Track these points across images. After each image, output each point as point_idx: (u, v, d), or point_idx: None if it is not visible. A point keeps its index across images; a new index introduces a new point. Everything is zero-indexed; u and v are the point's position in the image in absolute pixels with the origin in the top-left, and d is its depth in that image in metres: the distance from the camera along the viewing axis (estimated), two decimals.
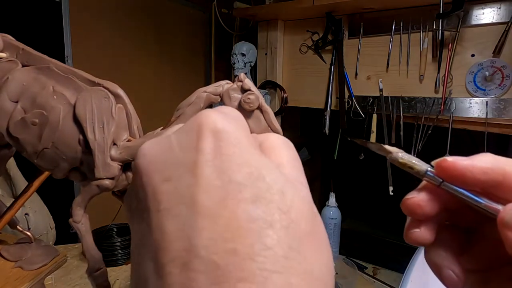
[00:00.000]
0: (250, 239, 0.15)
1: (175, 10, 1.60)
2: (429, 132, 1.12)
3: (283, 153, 0.21)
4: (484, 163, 0.21)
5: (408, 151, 1.17)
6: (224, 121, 0.18)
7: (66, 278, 0.84)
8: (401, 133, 1.16)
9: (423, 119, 1.13)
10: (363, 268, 1.43)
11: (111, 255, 0.92)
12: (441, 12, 1.02)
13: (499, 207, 0.20)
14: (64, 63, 0.54)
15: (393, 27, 1.17)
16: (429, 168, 0.22)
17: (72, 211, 0.46)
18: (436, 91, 1.12)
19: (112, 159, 0.44)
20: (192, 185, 0.17)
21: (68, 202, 0.48)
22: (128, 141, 0.46)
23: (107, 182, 0.44)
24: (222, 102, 0.44)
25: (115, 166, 0.44)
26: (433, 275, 0.23)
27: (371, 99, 1.23)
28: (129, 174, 0.48)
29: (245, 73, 1.34)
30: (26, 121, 0.47)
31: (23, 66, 0.51)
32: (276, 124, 0.44)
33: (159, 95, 1.56)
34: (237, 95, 0.43)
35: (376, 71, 1.23)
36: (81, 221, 0.47)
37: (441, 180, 0.22)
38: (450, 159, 0.21)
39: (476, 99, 1.05)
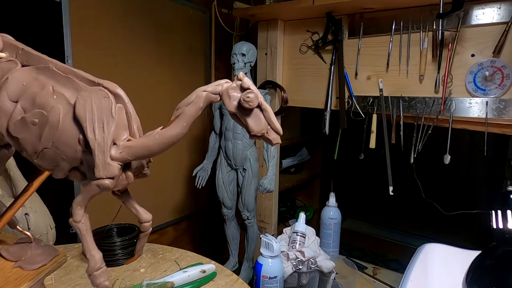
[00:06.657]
0: None
1: (175, 10, 1.60)
2: (429, 132, 1.12)
3: None
4: None
5: (408, 151, 1.17)
6: None
7: (66, 278, 0.84)
8: (401, 133, 1.16)
9: (423, 119, 1.13)
10: (363, 268, 1.43)
11: (111, 255, 0.92)
12: (441, 12, 1.02)
13: None
14: (64, 63, 0.54)
15: (393, 27, 1.17)
16: None
17: (72, 210, 0.46)
18: (436, 91, 1.12)
19: (112, 158, 0.44)
20: None
21: (68, 202, 0.48)
22: (128, 140, 0.46)
23: (107, 181, 0.44)
24: (221, 101, 0.44)
25: (115, 166, 0.44)
26: (433, 275, 0.23)
27: (371, 99, 1.23)
28: (129, 173, 0.48)
29: (245, 73, 1.34)
30: (26, 121, 0.47)
31: (22, 66, 0.51)
32: (276, 123, 0.44)
33: (159, 94, 1.56)
34: (237, 94, 0.43)
35: (376, 71, 1.23)
36: (81, 220, 0.47)
37: None
38: None
39: (476, 99, 1.05)
